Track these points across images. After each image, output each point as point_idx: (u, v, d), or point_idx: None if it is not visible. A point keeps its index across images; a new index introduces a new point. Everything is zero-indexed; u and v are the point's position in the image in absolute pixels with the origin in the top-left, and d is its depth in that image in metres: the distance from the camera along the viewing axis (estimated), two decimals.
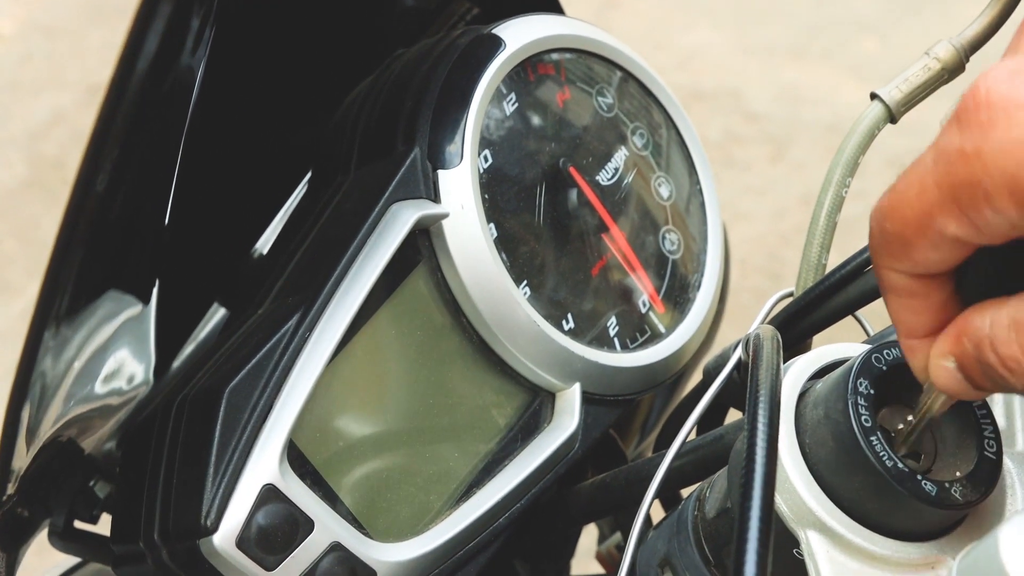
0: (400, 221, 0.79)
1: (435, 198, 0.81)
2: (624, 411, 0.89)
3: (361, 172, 0.84)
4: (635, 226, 0.91)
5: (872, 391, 0.68)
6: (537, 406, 0.85)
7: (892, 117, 0.84)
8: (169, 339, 0.90)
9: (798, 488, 0.69)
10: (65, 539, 0.89)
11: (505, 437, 0.83)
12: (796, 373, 0.73)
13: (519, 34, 0.86)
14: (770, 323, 0.84)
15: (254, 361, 0.73)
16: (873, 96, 0.84)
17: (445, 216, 0.80)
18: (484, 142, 0.84)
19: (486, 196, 0.83)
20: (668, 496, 0.92)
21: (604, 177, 0.90)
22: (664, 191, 0.93)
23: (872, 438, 0.67)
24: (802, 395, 0.72)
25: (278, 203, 0.91)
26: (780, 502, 0.69)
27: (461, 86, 0.83)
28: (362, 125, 0.86)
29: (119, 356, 0.87)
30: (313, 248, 0.80)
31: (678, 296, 0.92)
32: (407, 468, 0.79)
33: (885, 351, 0.69)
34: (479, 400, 0.83)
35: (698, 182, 0.94)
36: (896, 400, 0.69)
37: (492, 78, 0.84)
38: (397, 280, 0.80)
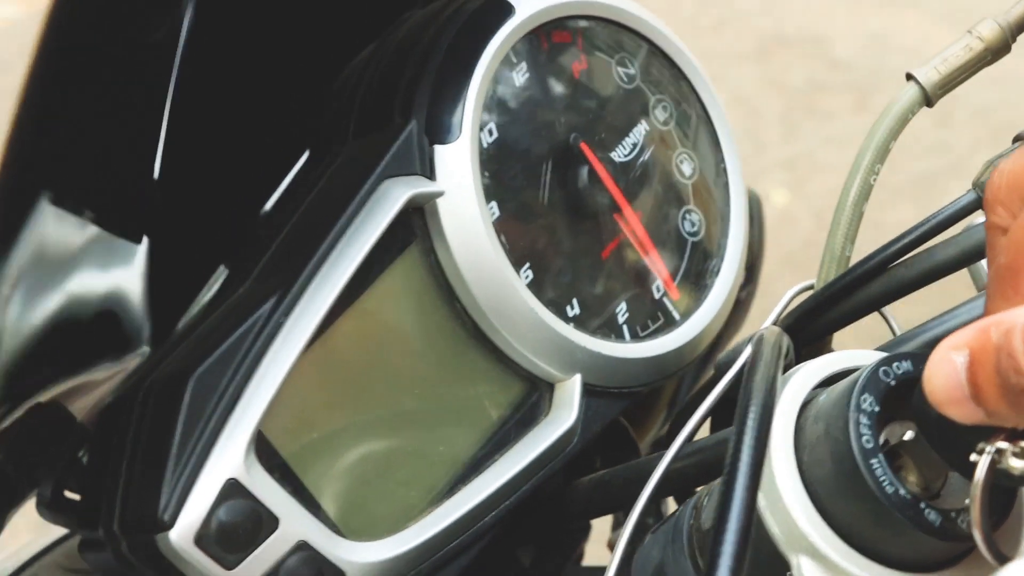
0: (390, 199, 0.74)
1: (431, 175, 0.76)
2: (632, 402, 0.84)
3: (356, 144, 0.79)
4: (652, 205, 0.86)
5: (877, 408, 0.62)
6: (534, 398, 0.80)
7: (928, 100, 0.77)
8: (171, 304, 0.87)
9: (792, 510, 0.63)
10: (53, 509, 0.86)
11: (498, 430, 0.78)
12: (800, 381, 0.67)
13: (532, 0, 0.81)
14: (787, 318, 0.79)
15: (224, 347, 0.69)
16: (909, 77, 0.77)
17: (440, 194, 0.75)
18: (488, 115, 0.79)
19: (486, 173, 0.78)
20: (681, 495, 0.87)
21: (620, 153, 0.84)
22: (687, 168, 0.88)
23: (872, 461, 0.61)
24: (806, 405, 0.66)
25: (287, 165, 0.87)
26: (772, 524, 0.64)
27: (464, 55, 0.78)
28: (361, 92, 0.81)
29: (107, 320, 0.83)
30: (299, 225, 0.76)
31: (695, 281, 0.87)
32: (387, 463, 0.74)
33: (895, 363, 0.64)
34: (471, 391, 0.78)
35: (723, 160, 0.89)
36: (906, 416, 0.64)
37: (499, 47, 0.79)
38: (387, 261, 0.75)
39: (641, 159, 0.85)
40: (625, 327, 0.83)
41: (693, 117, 0.88)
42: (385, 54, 0.81)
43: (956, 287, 0.82)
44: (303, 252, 0.73)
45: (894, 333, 0.80)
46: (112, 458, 0.70)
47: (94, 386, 0.79)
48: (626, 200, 0.84)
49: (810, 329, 0.78)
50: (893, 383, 0.63)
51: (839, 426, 0.62)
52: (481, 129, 0.78)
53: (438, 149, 0.76)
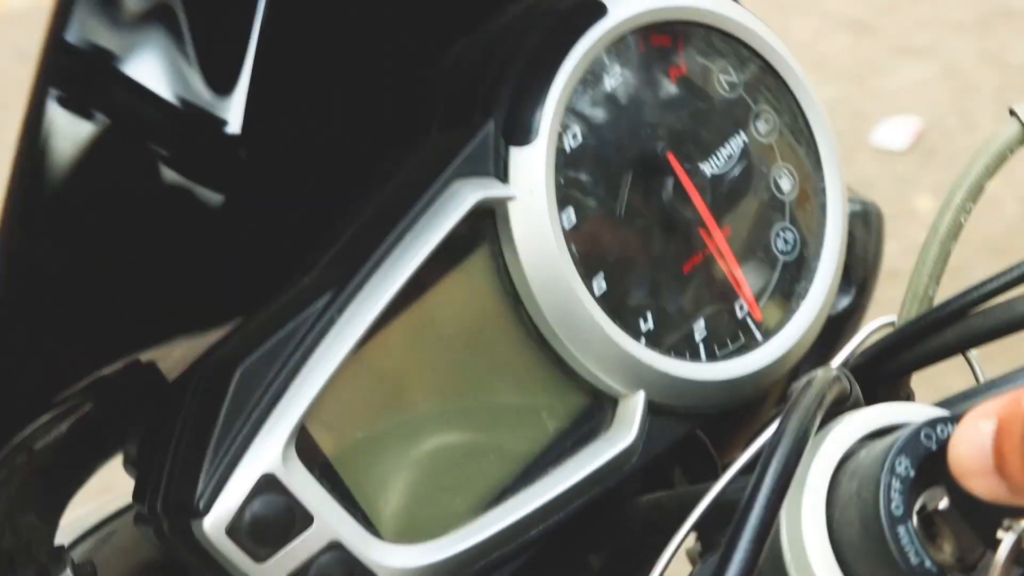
0: (459, 199, 0.73)
1: (504, 177, 0.75)
2: (700, 424, 0.82)
3: (436, 139, 0.78)
4: (743, 221, 0.83)
5: (913, 473, 0.60)
6: (595, 412, 0.79)
7: None
8: (262, 276, 0.87)
9: (816, 569, 0.61)
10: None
11: (554, 442, 0.77)
12: (843, 433, 0.65)
13: (628, 1, 0.78)
14: (863, 354, 0.76)
15: (272, 341, 0.69)
16: (1012, 113, 0.73)
17: (511, 199, 0.74)
18: (572, 119, 0.77)
19: (562, 180, 0.76)
20: None
21: (713, 164, 0.82)
22: (785, 184, 0.85)
23: (899, 528, 0.59)
24: (848, 459, 0.64)
25: (374, 153, 0.86)
26: None
27: (549, 56, 0.76)
28: (449, 85, 0.80)
29: (201, 287, 0.85)
30: (369, 218, 0.75)
31: (782, 301, 0.84)
32: (435, 467, 0.74)
33: (939, 426, 0.61)
34: (529, 400, 0.77)
35: (823, 178, 0.85)
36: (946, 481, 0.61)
37: (587, 51, 0.77)
38: (453, 261, 0.74)
39: (735, 172, 0.83)
40: (702, 345, 0.81)
41: (795, 132, 0.85)
42: (476, 48, 0.80)
43: None
44: (365, 247, 0.72)
45: (978, 380, 0.76)
46: (163, 437, 0.72)
47: (187, 348, 0.80)
48: (712, 215, 0.81)
49: (888, 367, 0.75)
50: (934, 447, 0.60)
51: (871, 488, 0.60)
52: (563, 133, 0.76)
53: (514, 151, 0.75)
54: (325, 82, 0.84)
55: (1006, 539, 0.56)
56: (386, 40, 0.85)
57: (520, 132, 0.75)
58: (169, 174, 0.79)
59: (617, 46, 0.79)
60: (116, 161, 0.76)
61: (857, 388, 0.70)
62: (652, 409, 0.79)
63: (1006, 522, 0.56)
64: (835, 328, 1.01)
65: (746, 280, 0.83)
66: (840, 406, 0.70)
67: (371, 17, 0.84)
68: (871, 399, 0.75)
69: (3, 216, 0.67)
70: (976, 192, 0.73)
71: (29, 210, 0.68)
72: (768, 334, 0.83)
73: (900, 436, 0.61)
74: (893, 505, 0.59)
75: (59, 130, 0.68)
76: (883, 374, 0.76)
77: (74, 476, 0.84)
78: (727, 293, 0.82)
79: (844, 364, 0.76)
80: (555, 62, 0.76)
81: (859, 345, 0.77)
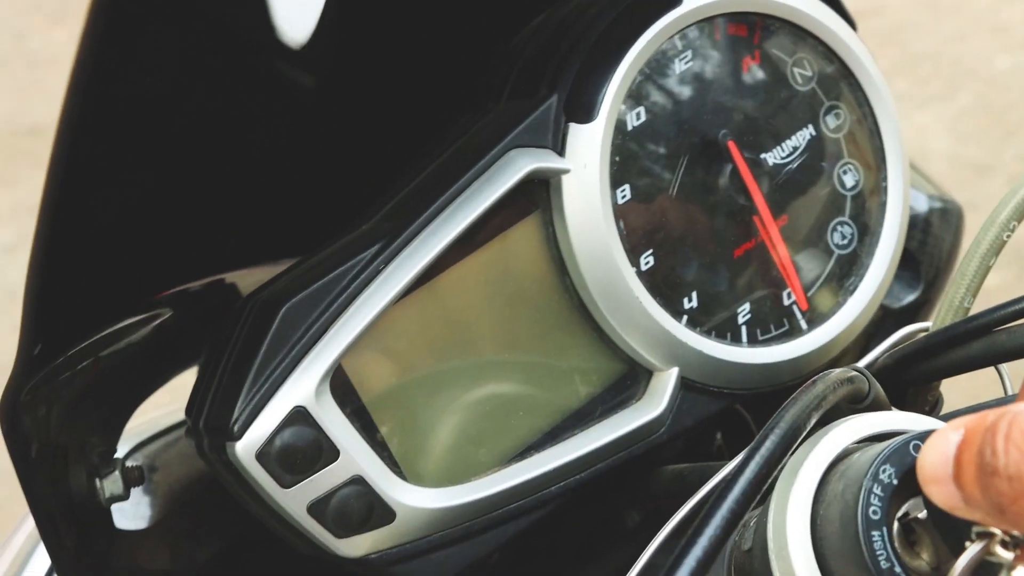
0: (513, 168, 0.76)
1: (561, 151, 0.78)
2: (735, 403, 0.84)
3: (502, 108, 0.81)
4: (802, 212, 0.85)
5: (895, 482, 0.62)
6: (628, 381, 0.81)
7: None
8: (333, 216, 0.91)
9: (794, 559, 0.64)
10: None
11: (584, 406, 0.80)
12: (841, 433, 0.67)
13: None
14: (889, 357, 0.77)
15: (319, 284, 0.73)
16: None
17: (565, 172, 0.77)
18: (637, 101, 0.79)
19: (617, 158, 0.79)
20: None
21: (777, 155, 0.83)
22: (849, 180, 0.86)
23: (874, 532, 0.61)
24: (842, 459, 0.66)
25: (448, 116, 0.90)
26: (775, 566, 0.64)
27: (618, 39, 0.79)
28: (523, 58, 0.83)
29: (278, 218, 0.90)
30: (430, 176, 0.79)
31: (831, 293, 0.85)
32: (465, 418, 0.78)
33: None
34: (564, 363, 0.80)
35: (886, 178, 0.86)
36: None
37: (655, 36, 0.79)
38: (505, 225, 0.78)
39: (799, 164, 0.84)
40: (744, 328, 0.83)
41: (865, 130, 0.86)
42: (551, 24, 0.83)
43: None
44: (421, 203, 0.76)
45: (1006, 392, 0.78)
46: (212, 361, 0.76)
47: (261, 278, 0.85)
48: (769, 204, 0.83)
49: (915, 372, 0.77)
50: None
51: (853, 491, 0.62)
52: (627, 111, 0.79)
53: (573, 127, 0.78)
54: (403, 40, 0.88)
55: (969, 549, 0.58)
56: (464, 14, 0.88)
57: (581, 110, 0.78)
58: (245, 90, 0.83)
59: (693, 32, 0.81)
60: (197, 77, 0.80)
61: (878, 389, 0.72)
62: (686, 385, 0.82)
63: (975, 532, 0.58)
64: (900, 322, 1.02)
65: (796, 270, 0.84)
66: (857, 405, 0.72)
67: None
68: (899, 402, 0.77)
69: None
70: (1022, 212, 0.74)
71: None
72: (812, 323, 0.85)
73: (889, 444, 0.62)
74: (871, 509, 0.61)
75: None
76: (911, 378, 0.77)
77: (143, 385, 0.90)
78: (776, 281, 0.84)
79: (871, 365, 0.78)
80: (623, 46, 0.79)
81: (890, 348, 0.78)
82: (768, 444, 0.61)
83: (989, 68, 3.46)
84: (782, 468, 0.66)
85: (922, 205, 1.07)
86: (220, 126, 0.84)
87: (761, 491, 0.61)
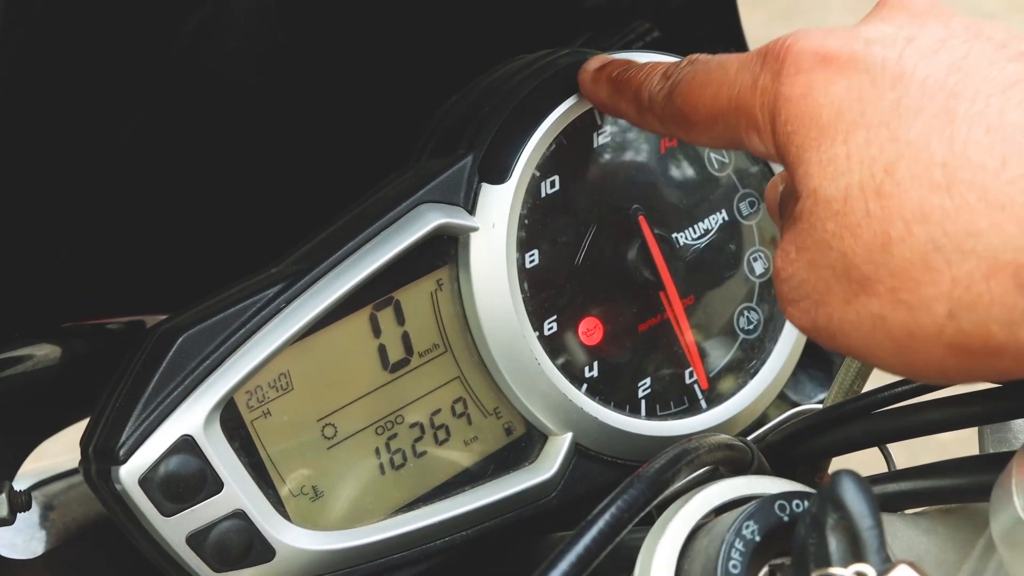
0: (422, 221, 0.77)
1: (472, 210, 0.79)
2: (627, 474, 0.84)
3: (420, 165, 0.83)
4: (709, 294, 0.86)
5: (758, 538, 0.62)
6: (523, 443, 0.82)
7: None
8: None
9: None
10: None
11: (477, 463, 0.81)
12: (712, 493, 0.67)
13: None
14: (777, 434, 0.78)
15: (218, 317, 0.74)
16: None
17: (473, 229, 0.78)
18: (551, 168, 0.81)
19: (527, 222, 0.80)
20: None
21: (688, 236, 0.85)
22: (759, 267, 0.88)
23: None
24: (712, 518, 0.67)
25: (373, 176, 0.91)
26: None
27: (537, 106, 0.81)
28: (448, 118, 0.85)
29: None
30: (342, 225, 0.80)
31: (733, 375, 0.87)
32: (354, 466, 0.78)
33: (796, 500, 0.63)
34: (460, 420, 0.81)
35: None
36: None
37: (573, 107, 0.81)
38: (409, 277, 0.79)
39: (709, 246, 0.86)
40: (644, 402, 0.84)
41: None
42: (477, 89, 0.85)
43: None
44: (329, 249, 0.77)
45: (889, 469, 0.79)
46: (109, 388, 0.77)
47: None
48: (675, 283, 0.84)
49: (805, 450, 0.78)
50: (787, 519, 0.63)
51: (716, 545, 0.63)
52: (542, 179, 0.81)
53: (485, 187, 0.79)
54: (338, 102, 0.90)
55: None
56: (389, 86, 0.91)
57: (495, 171, 0.79)
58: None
59: None
60: None
61: (761, 460, 0.73)
62: (580, 452, 0.82)
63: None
64: None
65: (700, 350, 0.86)
66: (740, 470, 0.72)
67: (376, 60, 0.90)
68: (790, 477, 0.78)
69: None
70: None
71: None
72: (712, 403, 0.86)
73: (754, 502, 0.63)
74: (731, 563, 0.62)
75: None
76: (800, 456, 0.78)
77: (47, 418, 0.90)
78: (679, 359, 0.85)
79: (759, 439, 0.79)
80: (542, 113, 0.81)
81: (778, 424, 0.79)
82: (630, 492, 0.62)
83: None
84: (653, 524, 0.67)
85: None
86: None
87: (616, 538, 0.61)
